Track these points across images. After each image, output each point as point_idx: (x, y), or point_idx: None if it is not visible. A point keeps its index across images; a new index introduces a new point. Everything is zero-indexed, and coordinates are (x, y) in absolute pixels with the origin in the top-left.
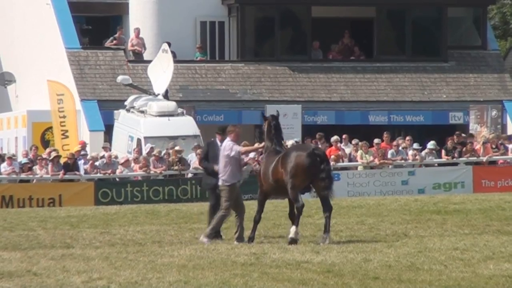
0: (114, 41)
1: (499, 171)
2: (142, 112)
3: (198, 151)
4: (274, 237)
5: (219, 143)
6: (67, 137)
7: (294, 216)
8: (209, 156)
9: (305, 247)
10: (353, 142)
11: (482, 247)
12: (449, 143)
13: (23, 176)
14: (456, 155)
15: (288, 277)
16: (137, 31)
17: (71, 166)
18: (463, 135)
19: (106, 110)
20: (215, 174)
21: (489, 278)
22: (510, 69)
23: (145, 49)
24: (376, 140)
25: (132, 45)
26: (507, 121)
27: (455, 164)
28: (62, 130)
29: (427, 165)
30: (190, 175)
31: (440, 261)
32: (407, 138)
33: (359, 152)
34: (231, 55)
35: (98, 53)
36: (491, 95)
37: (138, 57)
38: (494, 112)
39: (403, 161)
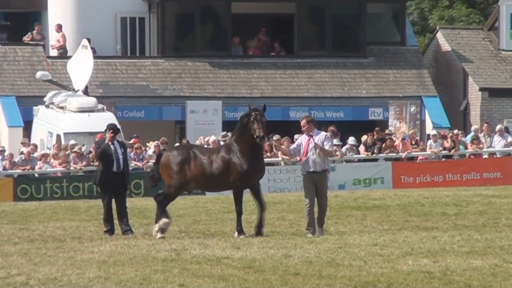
0: (31, 36)
1: (418, 167)
2: (62, 108)
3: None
4: (194, 233)
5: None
6: None
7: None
8: (102, 155)
9: (225, 243)
10: (274, 138)
11: (401, 243)
12: (368, 139)
13: None
14: (376, 151)
15: (209, 273)
16: (58, 26)
17: None
18: (387, 131)
19: (25, 106)
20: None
21: (408, 273)
22: (429, 65)
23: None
24: (296, 136)
25: (58, 42)
26: (426, 117)
27: (375, 160)
28: None
29: (347, 161)
30: None
31: (360, 256)
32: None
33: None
34: (152, 51)
35: (17, 49)
36: (410, 91)
37: (61, 53)
38: (413, 108)
39: None
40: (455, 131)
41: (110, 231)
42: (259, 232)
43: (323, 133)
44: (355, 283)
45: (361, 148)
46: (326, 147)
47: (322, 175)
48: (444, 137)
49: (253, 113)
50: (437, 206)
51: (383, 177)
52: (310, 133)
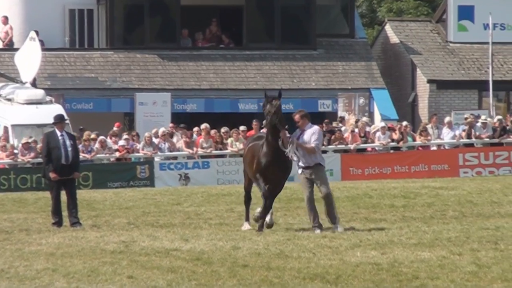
0: None
1: (367, 159)
2: (9, 100)
3: None
4: (143, 224)
5: (58, 133)
6: None
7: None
8: (50, 147)
9: (174, 235)
10: (223, 130)
11: (349, 235)
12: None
13: None
14: (325, 142)
15: (157, 265)
16: (5, 18)
17: None
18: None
19: None
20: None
21: (356, 265)
22: (377, 57)
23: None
24: (242, 128)
25: (6, 34)
26: (375, 109)
27: (324, 151)
28: None
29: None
30: None
31: (308, 248)
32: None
33: (230, 139)
34: (100, 43)
35: None
36: (358, 83)
37: (8, 45)
38: (361, 100)
39: None
40: (404, 123)
41: (58, 223)
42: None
43: (314, 128)
44: (303, 275)
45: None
46: (313, 142)
47: (316, 168)
48: (393, 129)
49: (267, 98)
50: (385, 198)
51: (332, 169)
52: (303, 128)
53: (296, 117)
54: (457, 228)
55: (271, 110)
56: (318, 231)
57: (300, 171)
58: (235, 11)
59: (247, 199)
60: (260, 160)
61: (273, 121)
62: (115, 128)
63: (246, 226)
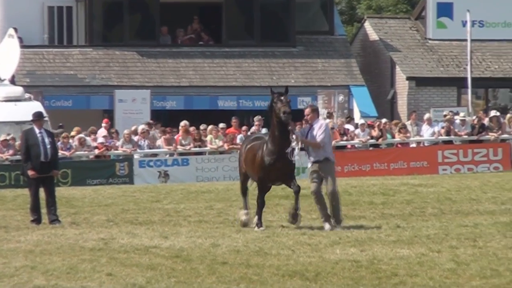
0: None
1: (346, 156)
2: None
3: None
4: (122, 222)
5: (37, 130)
6: None
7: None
8: (28, 144)
9: (153, 232)
10: (202, 127)
11: (329, 232)
12: (297, 128)
13: None
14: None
15: (137, 262)
16: None
17: None
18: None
19: None
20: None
21: (335, 263)
22: (357, 54)
23: None
24: (221, 125)
25: None
26: (354, 106)
27: (303, 149)
28: None
29: None
30: None
31: (288, 246)
32: (256, 122)
33: (209, 137)
34: (79, 40)
35: None
36: (338, 80)
37: None
38: (341, 97)
39: None
40: (383, 120)
41: (37, 220)
42: (294, 214)
43: (321, 123)
44: (283, 272)
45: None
46: (318, 137)
47: (325, 164)
48: (372, 126)
49: (275, 95)
50: (365, 195)
51: None
52: (312, 123)
53: (307, 110)
54: (436, 225)
55: (286, 109)
56: (327, 226)
57: (309, 164)
58: (215, 8)
59: (244, 191)
60: (264, 158)
61: (288, 119)
62: (104, 125)
63: (242, 212)
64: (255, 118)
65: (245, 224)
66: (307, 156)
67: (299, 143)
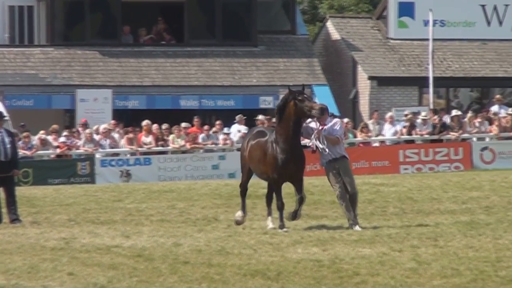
0: None
1: (308, 155)
2: None
3: None
4: (84, 221)
5: None
6: None
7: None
8: None
9: (115, 232)
10: (164, 126)
11: (291, 232)
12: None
13: None
14: None
15: (98, 261)
16: None
17: None
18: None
19: None
20: None
21: (297, 262)
22: (319, 53)
23: None
24: (183, 124)
25: None
26: None
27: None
28: None
29: (238, 149)
30: None
31: (249, 245)
32: (218, 122)
33: (171, 136)
34: (41, 40)
35: None
36: (300, 80)
37: None
38: None
39: (214, 145)
40: (345, 120)
41: None
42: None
43: (335, 120)
44: (244, 271)
45: (237, 136)
46: (336, 134)
47: (343, 161)
48: None
49: (298, 96)
50: (327, 195)
51: None
52: (324, 123)
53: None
54: (397, 225)
55: (315, 106)
56: (357, 227)
57: (325, 163)
58: (176, 7)
59: (244, 192)
60: (278, 158)
61: (322, 114)
62: (81, 123)
63: (239, 213)
64: (237, 117)
65: (239, 224)
66: (321, 156)
67: (320, 139)
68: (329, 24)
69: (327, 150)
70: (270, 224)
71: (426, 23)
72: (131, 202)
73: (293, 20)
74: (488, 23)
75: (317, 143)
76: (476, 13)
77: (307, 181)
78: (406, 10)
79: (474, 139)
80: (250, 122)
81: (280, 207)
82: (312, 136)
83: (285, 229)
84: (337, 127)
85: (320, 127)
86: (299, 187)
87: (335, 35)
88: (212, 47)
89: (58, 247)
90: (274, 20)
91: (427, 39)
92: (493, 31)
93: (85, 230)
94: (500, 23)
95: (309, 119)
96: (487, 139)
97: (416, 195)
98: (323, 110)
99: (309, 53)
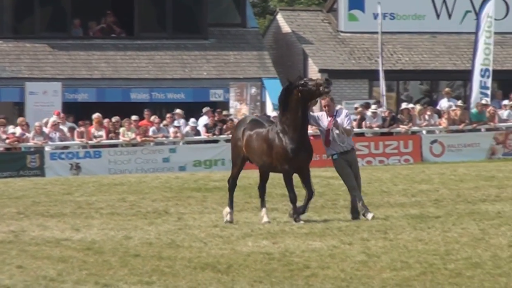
0: None
1: None
2: None
3: None
4: (33, 214)
5: None
6: None
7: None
8: None
9: (65, 225)
10: (114, 119)
11: (241, 225)
12: (209, 121)
13: None
14: (217, 132)
15: (48, 254)
16: None
17: None
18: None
19: None
20: None
21: (247, 255)
22: (269, 46)
23: None
24: (134, 117)
25: None
26: (267, 98)
27: (216, 141)
28: None
29: (188, 142)
30: None
31: (200, 238)
32: (168, 115)
33: (122, 129)
34: None
35: None
36: (250, 73)
37: None
38: (253, 90)
39: (164, 138)
40: None
41: None
42: (298, 213)
43: (345, 111)
44: (195, 264)
45: (202, 129)
46: (348, 125)
47: (352, 154)
48: None
49: (298, 81)
50: (277, 188)
51: (224, 159)
52: (333, 113)
53: (327, 100)
54: (347, 218)
55: (319, 82)
56: (370, 215)
57: (335, 156)
58: (127, 0)
59: (233, 186)
60: (288, 148)
61: (327, 85)
62: (55, 116)
63: (227, 210)
64: (204, 109)
65: (231, 222)
66: (330, 147)
67: (339, 129)
68: (280, 17)
69: (345, 141)
70: (265, 217)
71: (376, 16)
72: (81, 195)
73: (243, 13)
74: (438, 16)
75: (337, 132)
76: (426, 6)
77: (257, 173)
78: (356, 3)
79: (424, 132)
80: (198, 116)
81: (293, 200)
82: (332, 126)
83: (301, 222)
84: (348, 118)
85: (334, 120)
86: (307, 179)
87: (286, 28)
88: (163, 40)
89: (7, 240)
90: (225, 13)
91: (377, 32)
92: (442, 24)
93: (35, 223)
94: (449, 16)
95: (319, 113)
96: (437, 132)
97: (366, 188)
98: (329, 82)
99: (259, 46)
